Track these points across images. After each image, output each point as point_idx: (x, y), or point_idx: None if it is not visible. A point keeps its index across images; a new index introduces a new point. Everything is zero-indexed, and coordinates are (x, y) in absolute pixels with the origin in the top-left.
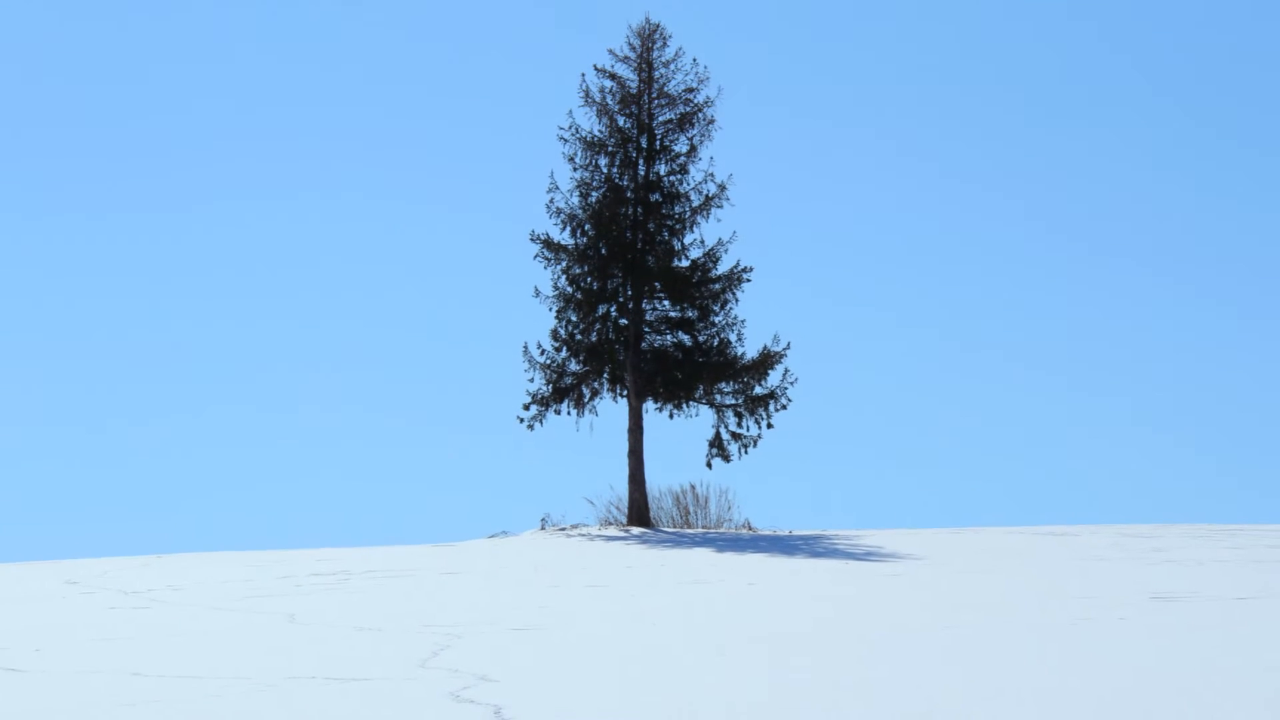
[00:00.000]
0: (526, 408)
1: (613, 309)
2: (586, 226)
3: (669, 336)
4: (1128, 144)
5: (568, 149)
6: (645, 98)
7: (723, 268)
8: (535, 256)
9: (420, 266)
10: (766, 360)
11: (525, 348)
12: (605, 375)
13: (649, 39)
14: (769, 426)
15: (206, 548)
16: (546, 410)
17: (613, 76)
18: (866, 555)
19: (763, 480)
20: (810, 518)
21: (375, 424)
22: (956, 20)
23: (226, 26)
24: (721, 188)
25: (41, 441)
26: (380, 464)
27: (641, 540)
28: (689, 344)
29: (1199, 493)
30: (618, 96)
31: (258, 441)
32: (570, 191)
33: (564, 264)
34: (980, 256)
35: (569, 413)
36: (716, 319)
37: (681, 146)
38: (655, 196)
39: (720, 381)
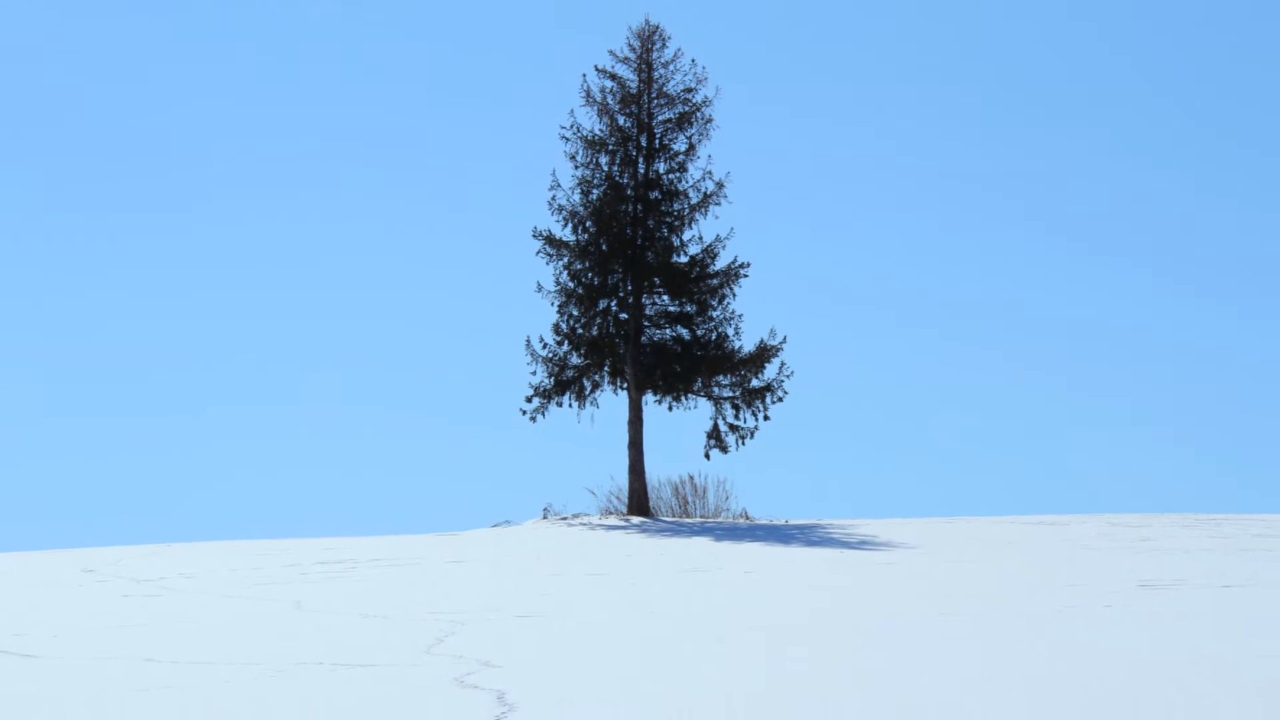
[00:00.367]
0: (529, 400)
1: (613, 304)
2: (588, 223)
3: (668, 331)
4: (1121, 140)
5: (569, 147)
6: (645, 98)
7: (720, 263)
8: (537, 253)
9: (425, 263)
10: (763, 354)
11: (528, 341)
12: (606, 368)
13: (648, 40)
14: (765, 418)
15: (216, 537)
16: (548, 403)
17: (613, 77)
18: (861, 544)
19: (759, 471)
20: (806, 507)
21: (381, 417)
22: (954, 20)
23: (227, 26)
24: (719, 185)
25: (57, 435)
26: (386, 455)
27: (641, 529)
28: (688, 338)
29: (1186, 483)
30: (618, 96)
31: (266, 434)
32: (572, 189)
33: (566, 260)
34: (971, 253)
35: (570, 405)
36: (714, 313)
37: (680, 145)
38: (655, 194)
39: (718, 375)
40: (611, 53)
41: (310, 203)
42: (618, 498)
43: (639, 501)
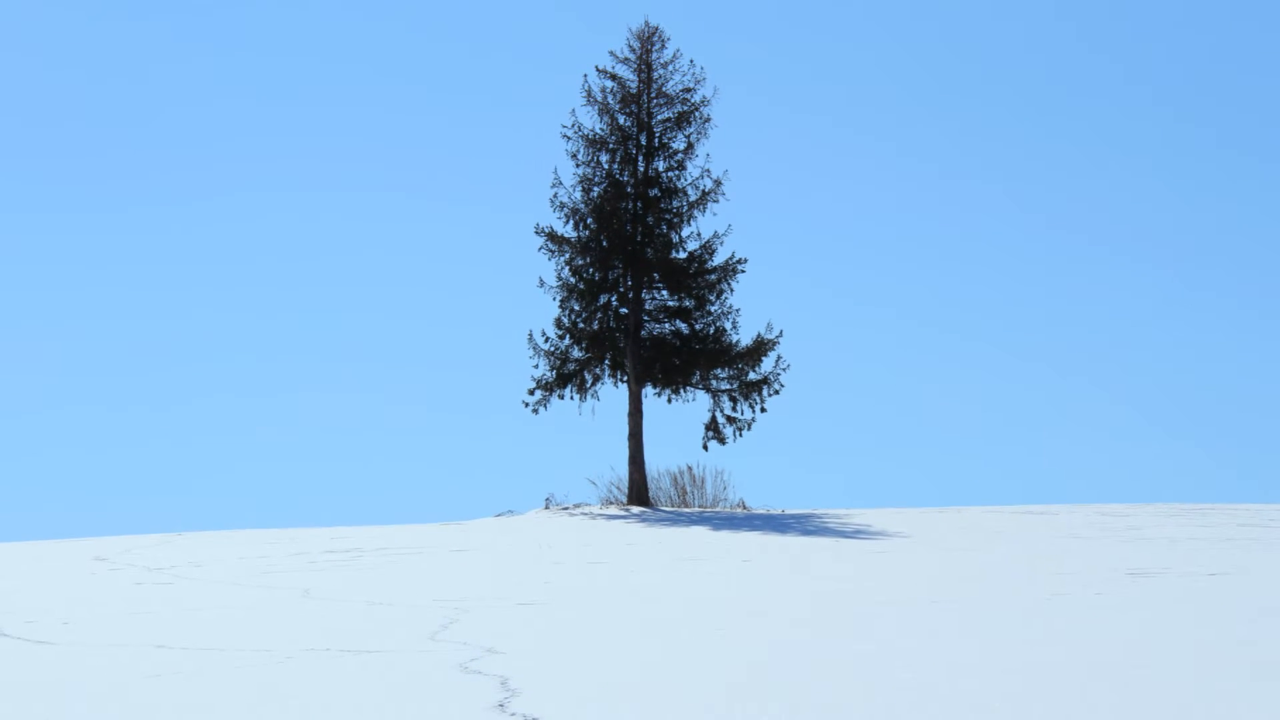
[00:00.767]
0: (531, 393)
1: (613, 299)
2: (589, 220)
3: (667, 325)
4: (1108, 136)
5: (571, 146)
6: (644, 97)
7: (718, 259)
8: (540, 249)
9: (430, 258)
10: (760, 347)
11: (530, 335)
12: (606, 362)
13: (648, 41)
14: (762, 410)
15: (226, 526)
16: (550, 395)
17: (613, 77)
18: (856, 533)
19: (756, 461)
20: (802, 497)
21: (388, 409)
22: (953, 19)
23: (237, 23)
24: (717, 183)
25: (70, 426)
26: (392, 447)
27: (641, 519)
28: (686, 332)
29: (1173, 474)
30: (618, 96)
31: (275, 426)
32: (573, 187)
33: (567, 256)
34: (960, 247)
35: (572, 397)
36: (712, 308)
37: (679, 144)
38: (654, 191)
39: (716, 368)
40: (612, 53)
41: (319, 199)
42: (618, 488)
43: (639, 492)
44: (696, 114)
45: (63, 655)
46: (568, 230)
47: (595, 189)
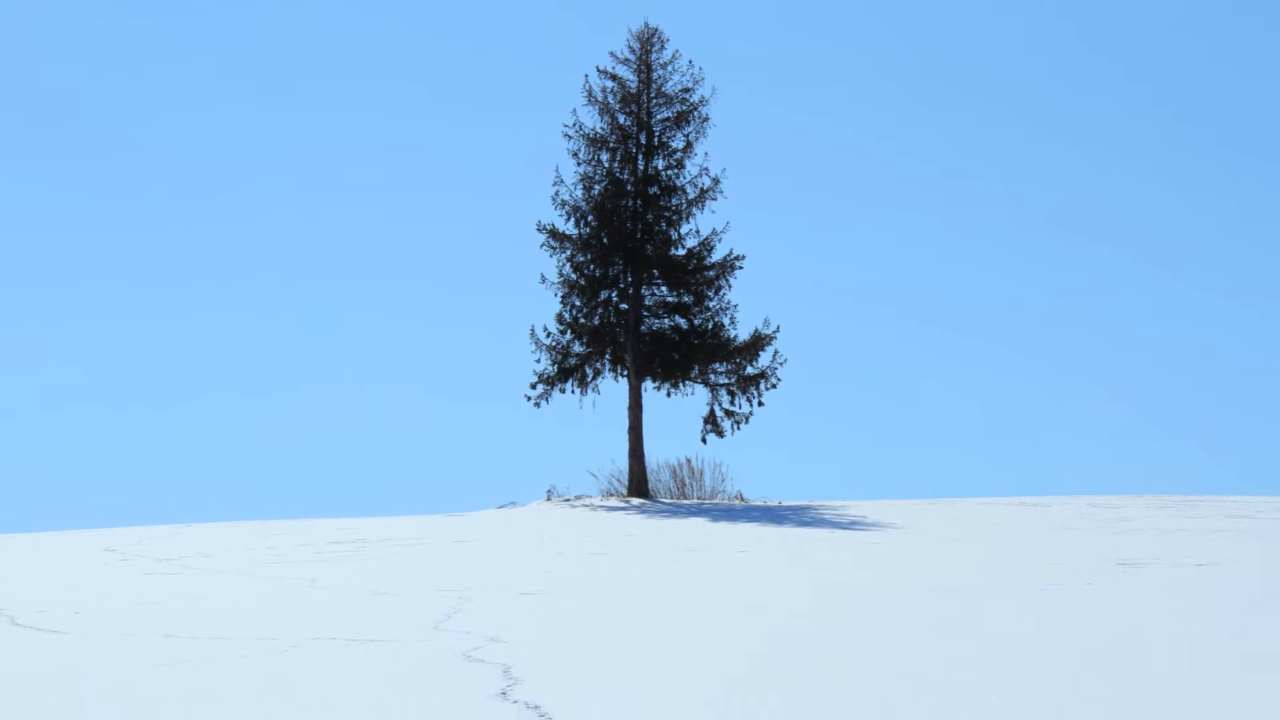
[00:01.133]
0: (533, 386)
1: (614, 294)
2: (589, 217)
3: (666, 320)
4: (1104, 135)
5: (572, 145)
6: (644, 97)
7: (717, 256)
8: (541, 245)
9: (433, 255)
10: (757, 342)
11: (532, 330)
12: (607, 356)
13: (648, 42)
14: (760, 404)
15: (233, 518)
16: (552, 389)
17: (614, 77)
18: (851, 525)
19: (754, 454)
20: (798, 489)
21: (393, 403)
22: (953, 19)
23: (237, 23)
24: (716, 181)
25: (80, 420)
26: (397, 440)
27: (641, 511)
28: (685, 327)
29: (1163, 466)
30: (618, 96)
31: (282, 419)
32: (574, 185)
33: (568, 252)
34: (954, 244)
35: (573, 391)
36: (711, 304)
37: (678, 143)
38: (654, 189)
39: (714, 362)
40: (612, 54)
41: (319, 199)
42: (618, 480)
43: (639, 484)
44: (695, 113)
45: (74, 644)
46: (569, 227)
47: (596, 187)
